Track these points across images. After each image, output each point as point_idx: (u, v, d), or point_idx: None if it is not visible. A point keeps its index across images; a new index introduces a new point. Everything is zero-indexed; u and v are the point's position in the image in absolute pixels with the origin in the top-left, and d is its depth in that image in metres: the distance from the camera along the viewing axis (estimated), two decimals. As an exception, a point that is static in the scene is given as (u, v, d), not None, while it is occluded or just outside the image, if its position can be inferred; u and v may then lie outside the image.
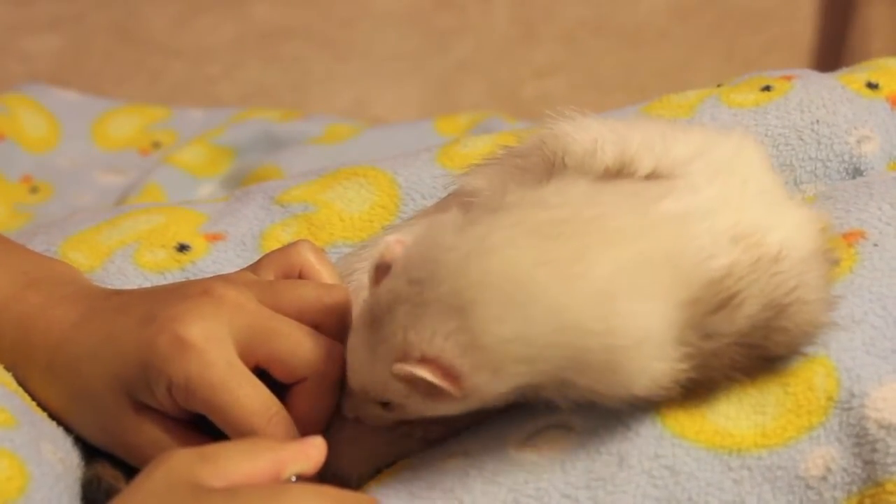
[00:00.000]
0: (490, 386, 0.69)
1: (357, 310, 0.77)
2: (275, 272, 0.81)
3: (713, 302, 0.69)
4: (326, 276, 0.80)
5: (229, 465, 0.65)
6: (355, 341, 0.72)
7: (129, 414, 0.77)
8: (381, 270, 0.72)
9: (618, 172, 0.74)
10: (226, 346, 0.75)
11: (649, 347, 0.68)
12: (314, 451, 0.68)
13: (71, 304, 0.80)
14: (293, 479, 0.67)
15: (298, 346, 0.76)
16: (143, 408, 0.77)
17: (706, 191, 0.72)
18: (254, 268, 0.81)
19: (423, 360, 0.68)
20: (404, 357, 0.69)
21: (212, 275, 0.86)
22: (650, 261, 0.69)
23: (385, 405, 0.72)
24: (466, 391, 0.69)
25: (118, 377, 0.77)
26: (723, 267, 0.69)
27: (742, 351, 0.71)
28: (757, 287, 0.70)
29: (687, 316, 0.69)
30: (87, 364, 0.78)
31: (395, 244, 0.72)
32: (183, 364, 0.74)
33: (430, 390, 0.69)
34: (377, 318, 0.70)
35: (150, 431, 0.77)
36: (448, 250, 0.69)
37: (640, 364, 0.69)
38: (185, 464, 0.65)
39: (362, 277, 0.81)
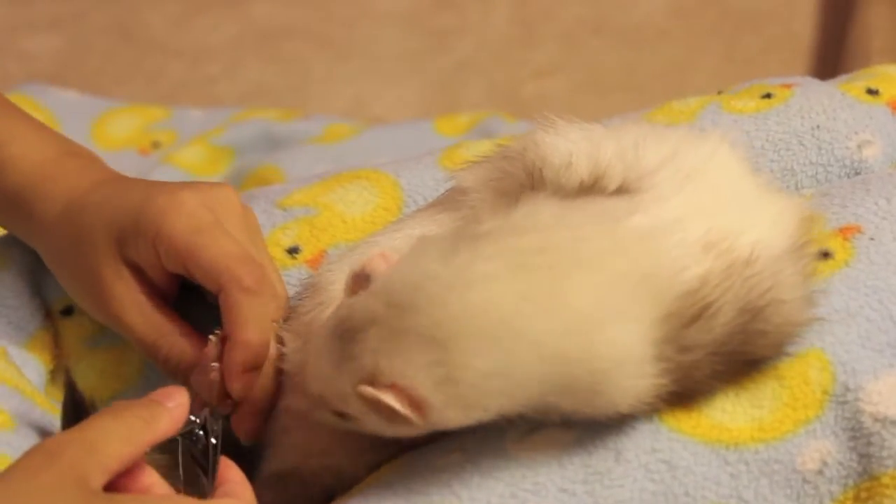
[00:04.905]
0: (457, 420, 0.69)
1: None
2: None
3: (688, 314, 0.69)
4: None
5: (109, 453, 0.67)
6: (321, 347, 0.71)
7: (113, 263, 0.83)
8: (359, 281, 0.71)
9: (592, 186, 0.73)
10: (211, 213, 0.82)
11: (629, 367, 0.68)
12: (178, 410, 0.72)
13: (104, 171, 0.88)
14: None
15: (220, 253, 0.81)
16: (126, 262, 0.82)
17: (674, 200, 0.72)
18: None
19: (392, 388, 0.68)
20: (372, 380, 0.68)
21: None
22: (625, 281, 0.68)
23: (341, 415, 0.72)
24: (430, 423, 0.68)
25: (114, 223, 0.83)
26: (696, 277, 0.69)
27: (721, 360, 0.71)
28: (731, 293, 0.70)
29: (663, 332, 0.69)
30: (92, 211, 0.84)
31: (379, 258, 0.71)
32: (174, 216, 0.81)
33: (391, 416, 0.68)
34: (348, 331, 0.69)
35: (123, 286, 0.83)
36: (431, 279, 0.68)
37: (622, 384, 0.69)
38: (75, 460, 0.66)
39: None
